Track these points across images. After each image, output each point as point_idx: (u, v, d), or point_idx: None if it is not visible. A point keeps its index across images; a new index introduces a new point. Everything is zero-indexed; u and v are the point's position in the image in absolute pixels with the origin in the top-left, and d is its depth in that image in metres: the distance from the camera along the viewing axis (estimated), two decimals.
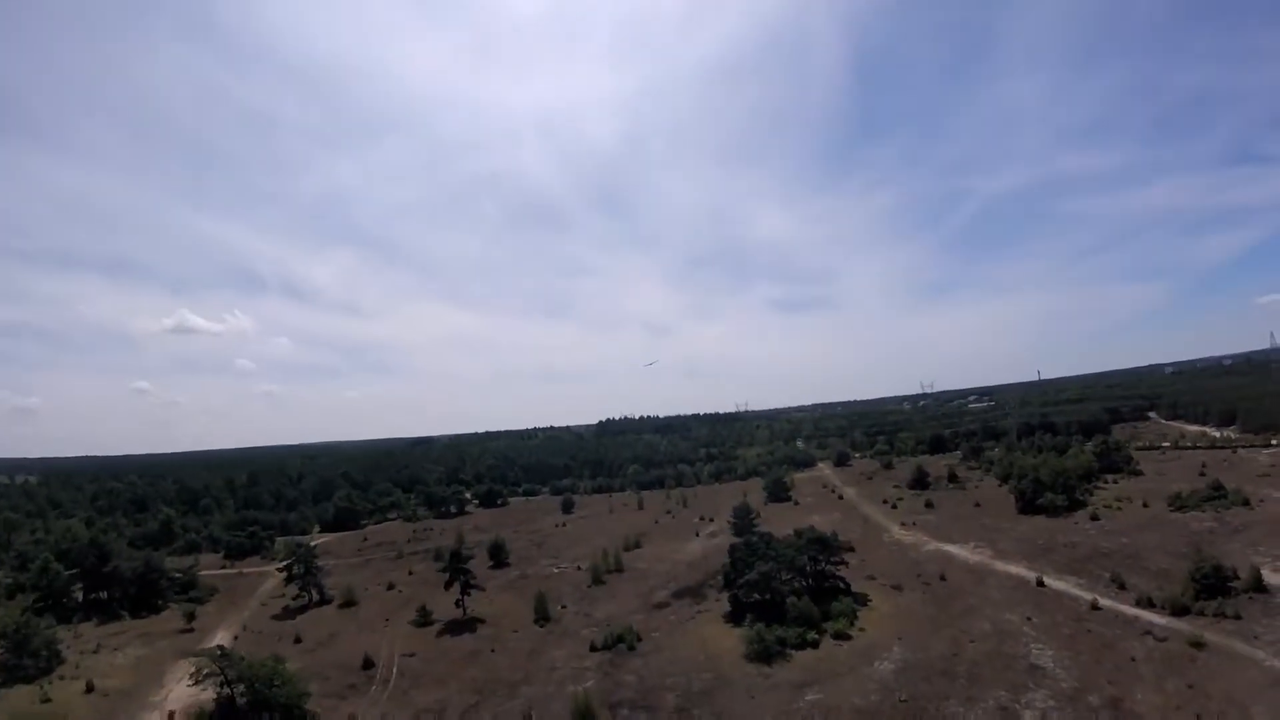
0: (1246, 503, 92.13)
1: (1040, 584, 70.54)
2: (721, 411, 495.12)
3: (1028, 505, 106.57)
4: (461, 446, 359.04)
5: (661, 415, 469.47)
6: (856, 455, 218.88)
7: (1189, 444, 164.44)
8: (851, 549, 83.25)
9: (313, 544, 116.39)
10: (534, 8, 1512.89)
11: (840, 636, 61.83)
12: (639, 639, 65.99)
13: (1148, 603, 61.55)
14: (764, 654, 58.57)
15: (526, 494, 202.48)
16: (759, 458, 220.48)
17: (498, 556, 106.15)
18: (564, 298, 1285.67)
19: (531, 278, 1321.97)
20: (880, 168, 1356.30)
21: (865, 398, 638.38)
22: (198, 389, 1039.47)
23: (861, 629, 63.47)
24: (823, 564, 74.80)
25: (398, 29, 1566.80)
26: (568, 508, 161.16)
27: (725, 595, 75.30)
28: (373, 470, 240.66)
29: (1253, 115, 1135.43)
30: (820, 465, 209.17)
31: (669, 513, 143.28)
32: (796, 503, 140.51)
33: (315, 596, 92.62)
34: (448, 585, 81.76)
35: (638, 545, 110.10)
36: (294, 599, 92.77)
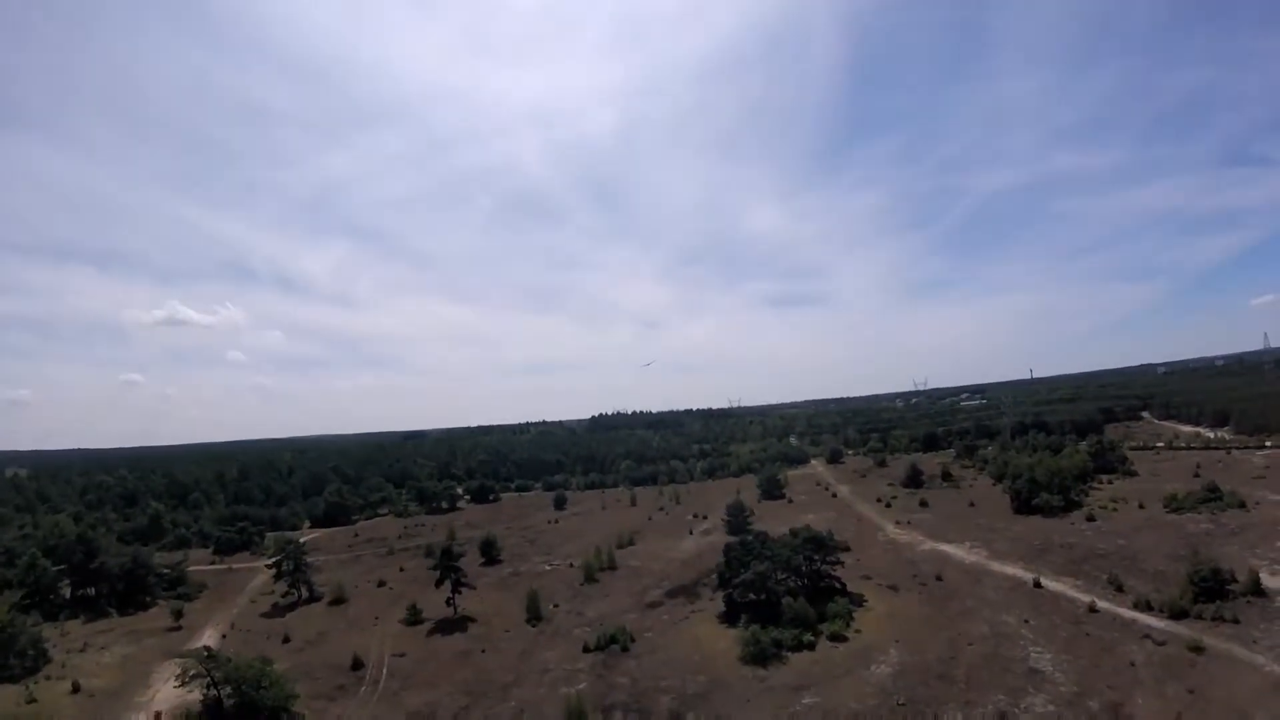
0: (1242, 505, 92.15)
1: (1037, 585, 70.22)
2: (714, 407, 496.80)
3: (1023, 505, 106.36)
4: (454, 441, 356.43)
5: (654, 411, 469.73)
6: (850, 452, 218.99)
7: (1183, 445, 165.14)
8: (847, 548, 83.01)
9: (303, 540, 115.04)
10: (529, 0, 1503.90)
11: (836, 638, 61.31)
12: (632, 639, 65.35)
13: (1146, 605, 61.28)
14: (759, 656, 57.96)
15: (519, 490, 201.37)
16: (752, 454, 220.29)
17: (489, 553, 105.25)
18: (557, 292, 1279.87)
19: (524, 271, 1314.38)
20: (874, 165, 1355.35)
21: (858, 394, 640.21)
22: (189, 381, 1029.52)
23: (858, 630, 62.99)
24: (818, 564, 74.16)
25: (392, 20, 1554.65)
26: (560, 504, 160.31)
27: (719, 594, 74.74)
28: (364, 464, 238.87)
29: (1249, 117, 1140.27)
30: (814, 462, 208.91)
31: (662, 509, 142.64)
32: (790, 500, 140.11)
33: (304, 593, 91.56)
34: (439, 583, 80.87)
35: (631, 542, 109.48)
36: (283, 596, 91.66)
